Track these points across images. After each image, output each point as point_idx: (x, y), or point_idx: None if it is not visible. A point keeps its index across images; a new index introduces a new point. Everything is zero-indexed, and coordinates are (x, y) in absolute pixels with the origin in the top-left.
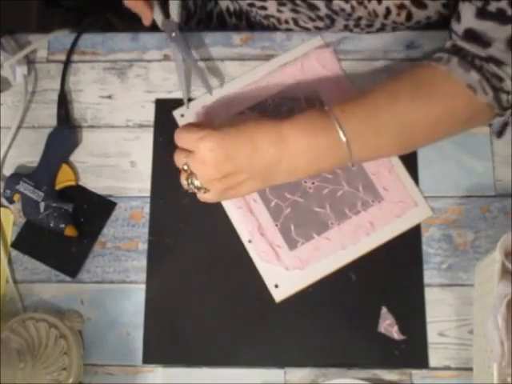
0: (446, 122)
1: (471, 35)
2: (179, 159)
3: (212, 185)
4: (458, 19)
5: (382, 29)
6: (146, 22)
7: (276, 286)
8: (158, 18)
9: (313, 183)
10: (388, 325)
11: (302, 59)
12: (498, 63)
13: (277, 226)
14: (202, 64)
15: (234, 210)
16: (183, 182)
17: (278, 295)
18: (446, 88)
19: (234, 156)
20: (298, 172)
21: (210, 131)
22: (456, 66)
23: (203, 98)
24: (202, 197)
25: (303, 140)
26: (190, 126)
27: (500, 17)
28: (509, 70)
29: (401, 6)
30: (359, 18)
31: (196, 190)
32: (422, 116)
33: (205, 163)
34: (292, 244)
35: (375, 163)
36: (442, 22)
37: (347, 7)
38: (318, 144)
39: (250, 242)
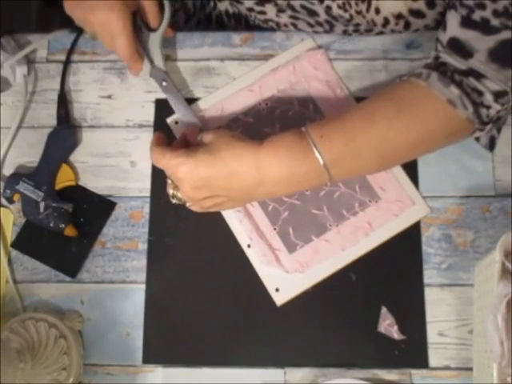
0: (425, 140)
1: (454, 44)
2: (166, 171)
3: (193, 202)
4: (444, 28)
5: (381, 33)
6: (134, 71)
7: (277, 290)
8: (146, 68)
9: None
10: (388, 325)
11: (294, 62)
12: (478, 76)
13: (275, 229)
14: (202, 64)
15: (232, 215)
16: (168, 191)
17: (279, 299)
18: (426, 104)
19: (210, 182)
20: (278, 194)
21: (185, 159)
22: (436, 81)
23: (197, 104)
24: (189, 207)
25: (284, 169)
26: (164, 151)
27: (483, 26)
28: (488, 83)
29: (398, 16)
30: (358, 24)
31: (180, 202)
32: (400, 137)
33: (183, 186)
34: (291, 247)
35: None
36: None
37: (346, 15)
38: (299, 172)
39: (249, 246)
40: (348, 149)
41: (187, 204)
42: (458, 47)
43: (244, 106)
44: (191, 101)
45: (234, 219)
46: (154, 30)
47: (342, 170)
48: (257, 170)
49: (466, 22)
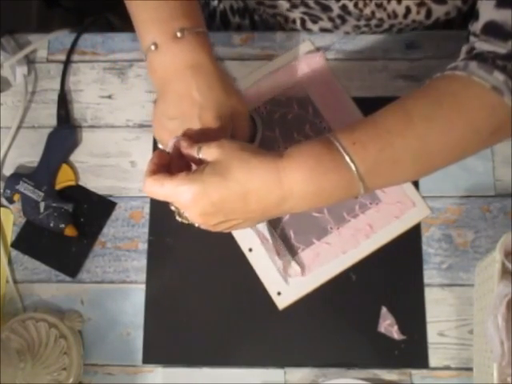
0: (467, 139)
1: (491, 28)
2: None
3: (204, 226)
4: (477, 17)
5: (389, 29)
6: None
7: (279, 294)
8: None
9: None
10: (388, 325)
11: (293, 65)
12: None
13: (276, 232)
14: None
15: None
16: (172, 208)
17: (281, 303)
18: (468, 96)
19: (223, 207)
20: (302, 210)
21: (189, 186)
22: (476, 69)
23: None
24: (198, 227)
25: (311, 183)
26: (162, 179)
27: None
28: None
29: (420, 4)
30: (370, 18)
31: (187, 222)
32: (442, 137)
33: (191, 213)
34: (292, 251)
35: None
36: (460, 20)
37: (367, 11)
38: (329, 185)
39: (250, 250)
40: (384, 155)
41: (196, 224)
42: (496, 30)
43: None
44: None
45: None
46: None
47: (379, 179)
48: (279, 187)
49: (502, 2)
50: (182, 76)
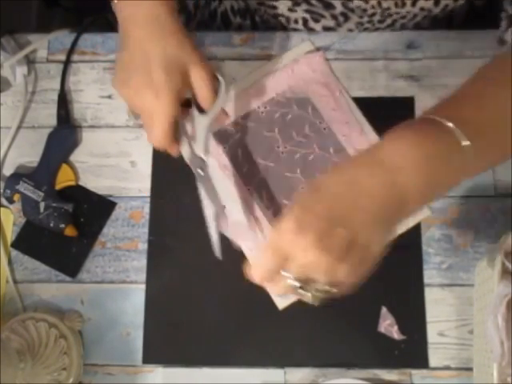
0: None
1: None
2: (279, 282)
3: (332, 267)
4: None
5: (392, 25)
6: (174, 154)
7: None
8: (186, 152)
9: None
10: (388, 325)
11: (293, 65)
12: None
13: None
14: None
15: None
16: (305, 294)
17: (281, 303)
18: None
19: (330, 216)
20: (417, 194)
21: (287, 219)
22: None
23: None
24: (339, 293)
25: (415, 149)
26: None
27: None
28: None
29: None
30: (373, 14)
31: (323, 294)
32: None
33: (305, 247)
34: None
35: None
36: (469, 8)
37: (373, 1)
38: (436, 151)
39: (251, 250)
40: (483, 116)
41: (333, 290)
42: None
43: (243, 110)
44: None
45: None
46: (204, 113)
47: (485, 142)
48: (380, 166)
49: None
50: (138, 25)
